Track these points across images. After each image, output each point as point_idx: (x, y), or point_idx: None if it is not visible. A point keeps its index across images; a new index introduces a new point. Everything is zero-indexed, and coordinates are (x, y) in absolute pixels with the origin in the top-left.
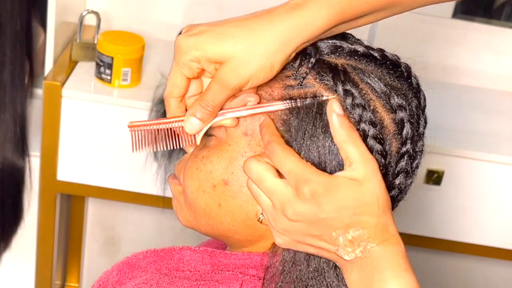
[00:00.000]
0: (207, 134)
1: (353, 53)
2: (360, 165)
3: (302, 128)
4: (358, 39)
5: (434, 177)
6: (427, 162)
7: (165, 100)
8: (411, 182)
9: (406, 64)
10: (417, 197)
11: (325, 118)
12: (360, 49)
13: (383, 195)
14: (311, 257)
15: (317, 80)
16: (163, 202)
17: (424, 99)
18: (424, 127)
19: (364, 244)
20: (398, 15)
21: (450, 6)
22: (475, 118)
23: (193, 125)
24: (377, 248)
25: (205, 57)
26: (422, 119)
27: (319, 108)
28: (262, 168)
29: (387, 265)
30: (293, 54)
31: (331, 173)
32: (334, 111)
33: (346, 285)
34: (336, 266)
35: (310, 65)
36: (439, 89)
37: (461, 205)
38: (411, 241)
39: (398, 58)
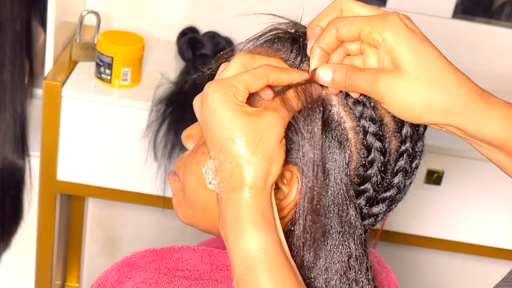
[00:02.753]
0: None
1: None
2: (270, 111)
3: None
4: None
5: (434, 177)
6: (427, 162)
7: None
8: (410, 183)
9: None
10: (417, 197)
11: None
12: None
13: (271, 145)
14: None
15: None
16: (163, 202)
17: None
18: (425, 128)
19: (218, 181)
20: None
21: (450, 6)
22: None
23: (326, 76)
24: (233, 194)
25: (390, 49)
26: None
27: (321, 110)
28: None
29: (245, 217)
30: (439, 126)
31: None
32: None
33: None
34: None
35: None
36: None
37: (461, 205)
38: (411, 241)
39: None
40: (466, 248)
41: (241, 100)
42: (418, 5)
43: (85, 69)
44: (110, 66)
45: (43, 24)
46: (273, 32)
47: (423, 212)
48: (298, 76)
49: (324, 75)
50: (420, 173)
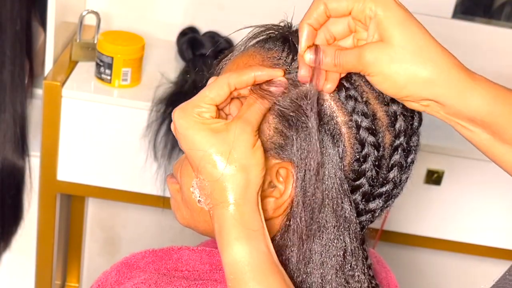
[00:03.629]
0: None
1: None
2: (235, 121)
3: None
4: None
5: (434, 177)
6: (427, 162)
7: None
8: (407, 178)
9: None
10: (417, 197)
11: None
12: None
13: (242, 154)
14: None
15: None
16: (163, 202)
17: None
18: (419, 123)
19: (204, 198)
20: None
21: (450, 6)
22: None
23: (310, 60)
24: (217, 210)
25: (379, 22)
26: (416, 114)
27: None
28: None
29: (228, 231)
30: (422, 100)
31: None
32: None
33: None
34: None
35: (296, 58)
36: None
37: (461, 205)
38: (412, 241)
39: None
40: (466, 248)
41: (210, 117)
42: (418, 5)
43: (85, 69)
44: (110, 66)
45: (43, 24)
46: (265, 32)
47: (423, 212)
48: (260, 74)
49: (308, 56)
50: (420, 173)
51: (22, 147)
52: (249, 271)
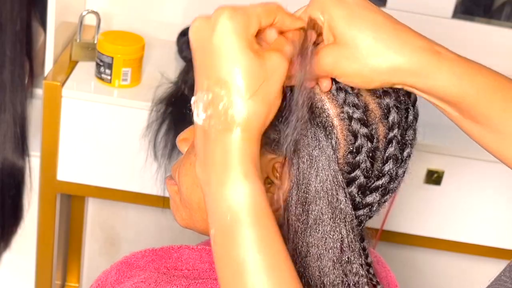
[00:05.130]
0: None
1: None
2: (275, 52)
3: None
4: None
5: (434, 177)
6: (427, 162)
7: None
8: (404, 172)
9: None
10: (417, 197)
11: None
12: None
13: (273, 89)
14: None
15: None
16: (163, 202)
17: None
18: (415, 117)
19: (206, 115)
20: (398, 16)
21: (450, 6)
22: None
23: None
24: (226, 134)
25: (328, 25)
26: (411, 108)
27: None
28: None
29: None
30: (395, 86)
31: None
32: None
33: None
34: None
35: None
36: None
37: (461, 205)
38: (411, 241)
39: None
40: (466, 248)
41: (252, 34)
42: (418, 5)
43: (85, 69)
44: (110, 66)
45: (43, 24)
46: None
47: (423, 212)
48: (299, 23)
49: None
50: (420, 173)
51: (22, 147)
52: (253, 214)
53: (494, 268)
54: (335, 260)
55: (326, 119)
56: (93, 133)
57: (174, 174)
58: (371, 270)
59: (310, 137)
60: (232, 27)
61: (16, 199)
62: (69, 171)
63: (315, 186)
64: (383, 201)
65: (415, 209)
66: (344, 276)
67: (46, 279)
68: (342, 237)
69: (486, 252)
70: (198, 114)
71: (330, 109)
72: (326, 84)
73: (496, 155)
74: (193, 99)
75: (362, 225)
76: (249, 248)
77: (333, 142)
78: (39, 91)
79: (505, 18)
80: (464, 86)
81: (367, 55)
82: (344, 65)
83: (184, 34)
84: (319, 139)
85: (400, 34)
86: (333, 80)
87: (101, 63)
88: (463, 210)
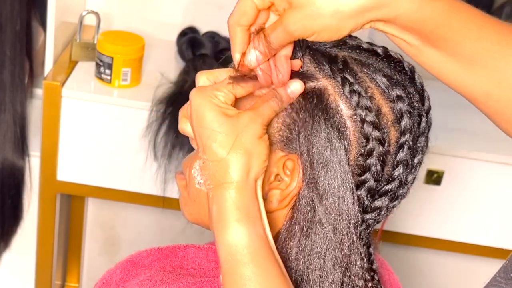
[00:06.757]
0: None
1: (355, 48)
2: (247, 111)
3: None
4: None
5: (434, 177)
6: (427, 162)
7: (231, 28)
8: (413, 179)
9: (410, 64)
10: (417, 197)
11: (328, 110)
12: (364, 45)
13: (248, 140)
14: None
15: (317, 69)
16: (163, 202)
17: (428, 99)
18: (428, 125)
19: (204, 180)
20: None
21: None
22: (475, 118)
23: (254, 58)
24: (217, 191)
25: None
26: (424, 115)
27: (319, 99)
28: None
29: (227, 210)
30: (365, 26)
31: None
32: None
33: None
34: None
35: (303, 52)
36: (439, 89)
37: (461, 205)
38: (411, 241)
39: (402, 58)
40: (466, 248)
41: (225, 102)
42: None
43: (85, 69)
44: (110, 66)
45: (43, 24)
46: None
47: (423, 212)
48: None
49: (250, 56)
50: (420, 173)
51: (22, 147)
52: (248, 253)
53: (494, 268)
54: (337, 261)
55: (340, 121)
56: (93, 133)
57: (184, 169)
58: (376, 277)
59: (323, 137)
60: (200, 100)
61: (16, 199)
62: (69, 171)
63: (324, 185)
64: (391, 206)
65: (415, 209)
66: (344, 277)
67: (46, 279)
68: (346, 239)
69: (486, 252)
70: (198, 181)
71: (344, 110)
72: (282, 76)
73: (454, 84)
74: (193, 170)
75: (370, 229)
76: (246, 285)
77: (346, 143)
78: (39, 91)
79: (505, 18)
80: (424, 10)
81: (327, 7)
82: (311, 24)
83: (184, 34)
84: (331, 140)
85: None
86: (348, 82)
87: (101, 63)
88: (463, 210)
